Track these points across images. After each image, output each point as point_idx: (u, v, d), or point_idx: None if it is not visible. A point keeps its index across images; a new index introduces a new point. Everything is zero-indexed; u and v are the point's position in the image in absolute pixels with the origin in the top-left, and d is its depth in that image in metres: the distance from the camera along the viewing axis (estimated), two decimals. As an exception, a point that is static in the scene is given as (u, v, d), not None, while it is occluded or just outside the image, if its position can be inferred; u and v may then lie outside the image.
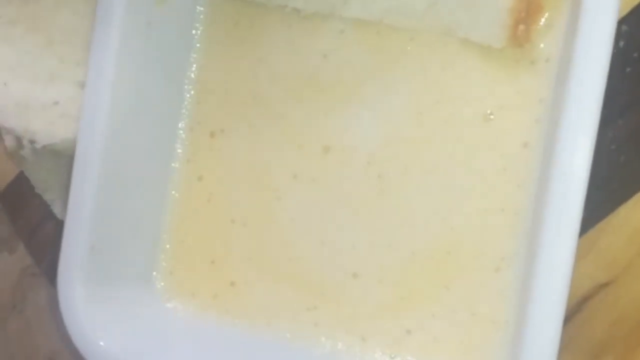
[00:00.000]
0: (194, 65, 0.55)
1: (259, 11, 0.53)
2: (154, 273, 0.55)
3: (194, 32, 0.54)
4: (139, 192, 0.53)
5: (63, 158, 0.56)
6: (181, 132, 0.55)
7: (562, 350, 0.44)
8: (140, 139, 0.53)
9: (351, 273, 0.52)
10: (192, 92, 0.55)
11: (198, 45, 0.55)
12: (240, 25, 0.54)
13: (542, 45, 0.48)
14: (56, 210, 0.58)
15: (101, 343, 0.51)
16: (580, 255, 0.49)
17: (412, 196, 0.51)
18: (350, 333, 0.52)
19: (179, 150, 0.55)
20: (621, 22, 0.50)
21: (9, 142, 0.58)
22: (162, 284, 0.55)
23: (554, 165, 0.44)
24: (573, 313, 0.50)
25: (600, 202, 0.50)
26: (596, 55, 0.44)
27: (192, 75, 0.55)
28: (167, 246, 0.55)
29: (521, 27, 0.47)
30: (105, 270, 0.52)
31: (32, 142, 0.55)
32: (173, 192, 0.55)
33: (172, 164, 0.55)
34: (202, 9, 0.54)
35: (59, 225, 0.52)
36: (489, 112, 0.50)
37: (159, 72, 0.53)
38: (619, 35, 0.49)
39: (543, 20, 0.48)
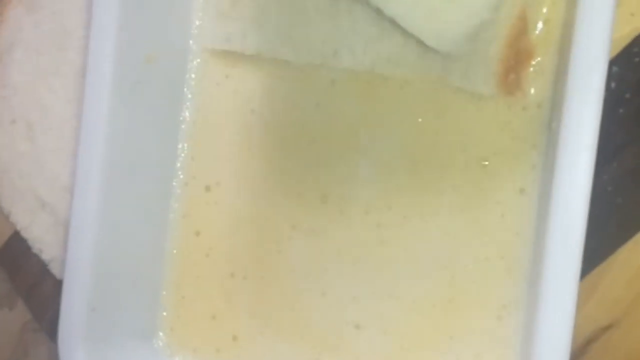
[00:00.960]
0: (187, 121, 0.55)
1: (251, 63, 0.53)
2: (155, 330, 0.54)
3: (185, 88, 0.54)
4: (136, 250, 0.53)
5: (59, 216, 0.56)
6: (176, 187, 0.55)
7: (568, 395, 0.44)
8: (135, 197, 0.52)
9: (353, 324, 0.52)
10: (186, 147, 0.55)
11: (189, 101, 0.55)
12: (231, 77, 0.54)
13: (532, 91, 0.49)
14: (54, 269, 0.58)
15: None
16: (582, 298, 0.48)
17: (411, 245, 0.51)
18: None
19: (175, 206, 0.55)
20: (612, 63, 0.50)
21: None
22: (164, 340, 0.54)
23: (552, 211, 0.44)
24: (577, 357, 0.50)
25: (600, 244, 0.50)
26: (588, 98, 0.44)
27: (185, 130, 0.54)
28: (167, 303, 0.55)
29: (512, 75, 0.47)
30: (105, 330, 0.51)
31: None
32: (171, 247, 0.55)
33: (169, 220, 0.55)
34: (193, 64, 0.54)
35: (58, 282, 0.51)
36: (483, 158, 0.50)
37: (151, 130, 0.53)
38: (610, 77, 0.49)
39: (533, 66, 0.48)
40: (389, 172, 0.51)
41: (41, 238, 0.58)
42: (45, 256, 0.58)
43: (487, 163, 0.49)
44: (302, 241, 0.52)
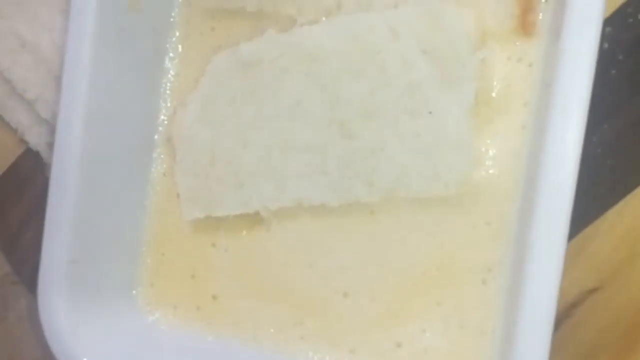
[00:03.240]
0: (170, 73, 0.53)
1: (236, 17, 0.52)
2: (135, 286, 0.54)
3: (169, 39, 0.53)
4: (118, 205, 0.52)
5: (40, 54, 0.56)
6: (158, 141, 0.54)
7: (551, 356, 0.44)
8: (117, 150, 0.52)
9: (341, 292, 0.51)
10: (169, 100, 0.54)
11: (173, 52, 0.54)
12: (217, 30, 0.53)
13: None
14: (39, 109, 0.57)
15: (84, 359, 0.50)
16: (568, 261, 0.48)
17: (401, 214, 0.50)
18: (338, 347, 0.51)
19: (157, 161, 0.54)
20: (605, 23, 0.49)
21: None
22: (143, 296, 0.54)
23: (541, 172, 0.44)
24: (562, 319, 0.50)
25: (588, 207, 0.50)
26: (582, 56, 0.43)
27: (168, 83, 0.54)
28: (147, 259, 0.54)
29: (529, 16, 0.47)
30: (85, 284, 0.51)
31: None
32: (152, 205, 0.54)
33: (151, 177, 0.54)
34: (178, 15, 0.53)
35: (39, 231, 0.51)
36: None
37: (135, 80, 0.52)
38: (603, 37, 0.48)
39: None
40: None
41: (24, 77, 0.57)
42: (30, 95, 0.57)
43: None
44: (289, 217, 0.52)
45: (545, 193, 0.44)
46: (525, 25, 0.48)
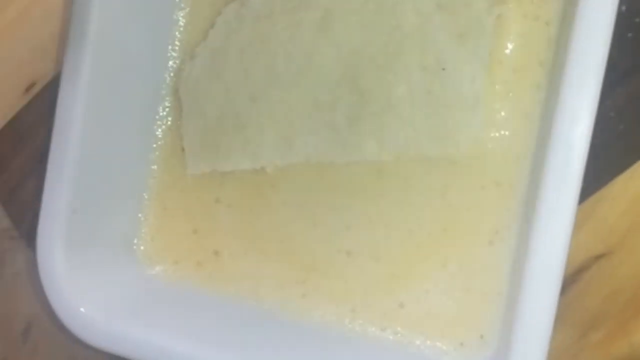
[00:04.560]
0: (179, 24, 0.53)
1: None
2: (136, 239, 0.53)
3: None
4: (121, 157, 0.52)
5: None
6: (165, 95, 0.54)
7: (556, 321, 0.43)
8: (123, 102, 0.51)
9: (345, 251, 0.51)
10: (177, 55, 0.53)
11: (182, 4, 0.53)
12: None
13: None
14: None
15: (82, 309, 0.49)
16: (577, 225, 0.48)
17: (409, 174, 0.50)
18: (339, 305, 0.51)
19: (162, 114, 0.54)
20: (624, -15, 0.49)
21: None
22: (144, 250, 0.53)
23: (554, 133, 0.43)
24: (568, 284, 0.50)
25: (598, 171, 0.49)
26: (599, 15, 0.42)
27: (177, 34, 0.53)
28: (149, 213, 0.54)
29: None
30: (85, 235, 0.50)
31: None
32: (156, 159, 0.54)
33: (155, 130, 0.53)
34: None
35: (39, 186, 0.50)
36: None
37: (142, 31, 0.51)
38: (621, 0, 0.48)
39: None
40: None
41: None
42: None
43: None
44: (297, 175, 0.51)
45: (557, 155, 0.43)
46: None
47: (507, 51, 0.48)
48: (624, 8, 0.49)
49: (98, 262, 0.51)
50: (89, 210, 0.50)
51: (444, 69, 0.47)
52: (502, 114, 0.48)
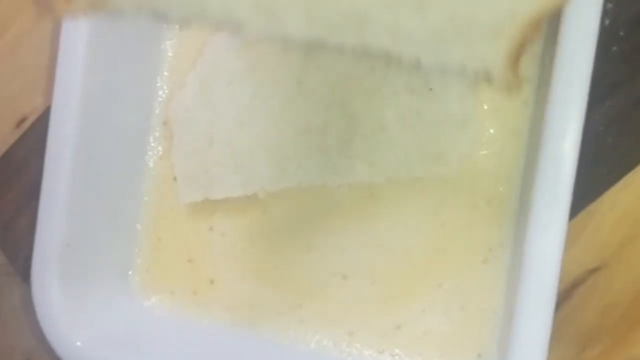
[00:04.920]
0: (167, 54, 0.53)
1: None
2: (130, 271, 0.53)
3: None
4: (113, 188, 0.52)
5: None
6: (155, 126, 0.54)
7: (552, 337, 0.43)
8: (114, 133, 0.51)
9: (340, 274, 0.51)
10: (166, 85, 0.53)
11: (169, 34, 0.53)
12: None
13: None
14: None
15: (78, 343, 0.49)
16: (569, 240, 0.47)
17: (402, 196, 0.50)
18: (336, 329, 0.51)
19: (153, 145, 0.54)
20: (606, 0, 0.49)
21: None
22: (139, 281, 0.53)
23: (542, 149, 0.43)
24: (563, 299, 0.49)
25: (589, 185, 0.49)
26: (583, 30, 0.43)
27: (166, 65, 0.53)
28: (143, 243, 0.54)
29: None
30: (80, 268, 0.50)
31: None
32: (148, 189, 0.54)
33: (146, 161, 0.54)
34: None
35: (33, 220, 0.50)
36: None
37: (132, 63, 0.52)
38: (604, 14, 0.48)
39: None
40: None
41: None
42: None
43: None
44: (287, 199, 0.51)
45: (546, 170, 0.43)
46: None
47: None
48: (607, 22, 0.49)
49: (93, 295, 0.51)
50: (82, 243, 0.50)
51: (431, 89, 0.47)
52: (491, 131, 0.48)
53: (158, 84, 0.53)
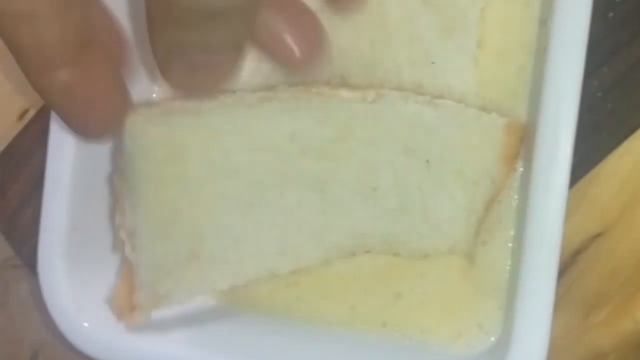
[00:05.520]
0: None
1: None
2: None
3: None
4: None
5: None
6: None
7: (557, 304, 0.43)
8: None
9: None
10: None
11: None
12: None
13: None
14: None
15: (85, 324, 0.49)
16: (571, 207, 0.48)
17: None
18: (338, 303, 0.51)
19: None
20: (602, -34, 0.49)
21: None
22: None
23: (541, 114, 0.43)
24: (567, 266, 0.50)
25: (589, 152, 0.49)
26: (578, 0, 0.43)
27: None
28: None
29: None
30: (86, 250, 0.50)
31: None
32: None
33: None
34: None
35: (38, 211, 0.50)
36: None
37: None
38: (599, -20, 0.49)
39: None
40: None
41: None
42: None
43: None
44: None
45: (545, 136, 0.43)
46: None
47: (491, 36, 0.48)
48: (604, -13, 0.49)
49: (101, 277, 0.51)
50: (87, 226, 0.50)
51: (433, 63, 0.48)
52: (490, 97, 0.48)
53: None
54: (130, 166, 0.46)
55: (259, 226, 0.48)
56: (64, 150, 0.49)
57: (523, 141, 0.47)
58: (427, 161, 0.47)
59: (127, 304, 0.48)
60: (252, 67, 0.50)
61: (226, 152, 0.47)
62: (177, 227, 0.48)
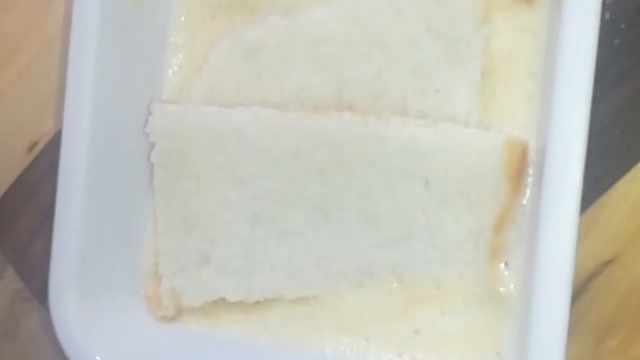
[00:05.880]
0: (173, 67, 0.54)
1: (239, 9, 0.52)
2: (145, 283, 0.53)
3: (169, 33, 0.53)
4: (125, 201, 0.52)
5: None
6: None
7: (570, 330, 0.43)
8: (123, 148, 0.52)
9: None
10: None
11: (174, 46, 0.54)
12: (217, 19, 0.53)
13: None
14: None
15: (97, 358, 0.49)
16: (582, 233, 0.48)
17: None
18: (352, 335, 0.50)
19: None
20: (606, -7, 0.50)
21: None
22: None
23: (550, 143, 0.43)
24: (579, 292, 0.50)
25: (598, 177, 0.49)
26: (584, 23, 0.43)
27: (173, 77, 0.54)
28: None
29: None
30: (96, 283, 0.51)
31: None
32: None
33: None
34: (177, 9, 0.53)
35: (47, 243, 0.50)
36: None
37: (139, 78, 0.52)
38: (604, 7, 0.49)
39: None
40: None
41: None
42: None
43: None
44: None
45: (555, 165, 0.43)
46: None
47: (497, 65, 0.48)
48: (608, 16, 0.49)
49: (110, 309, 0.51)
50: (98, 259, 0.50)
51: (438, 91, 0.48)
52: (497, 127, 0.48)
53: (165, 97, 0.54)
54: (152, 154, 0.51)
55: (267, 242, 0.50)
56: (74, 183, 0.50)
57: (527, 159, 0.47)
58: (427, 183, 0.47)
59: (156, 297, 0.51)
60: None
61: (231, 159, 0.50)
62: (189, 226, 0.51)
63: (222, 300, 0.52)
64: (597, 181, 0.49)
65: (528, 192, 0.47)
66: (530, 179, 0.47)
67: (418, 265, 0.49)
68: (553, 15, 0.46)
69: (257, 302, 0.51)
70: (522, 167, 0.47)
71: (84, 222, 0.50)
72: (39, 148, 0.59)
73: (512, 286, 0.48)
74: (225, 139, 0.49)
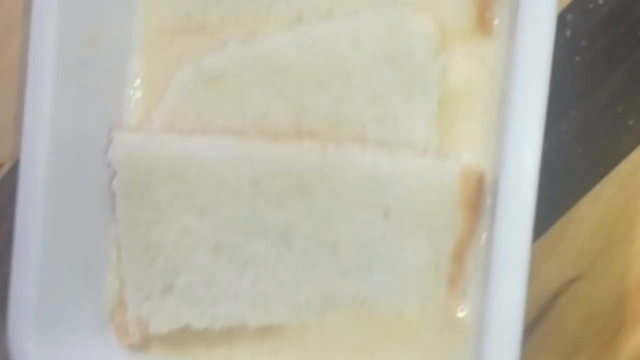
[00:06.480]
0: (134, 98, 0.53)
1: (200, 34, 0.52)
2: (108, 317, 0.53)
3: (129, 64, 0.53)
4: (86, 239, 0.52)
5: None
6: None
7: (536, 349, 0.44)
8: (83, 183, 0.51)
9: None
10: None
11: (134, 77, 0.53)
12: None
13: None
14: None
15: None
16: (546, 252, 0.48)
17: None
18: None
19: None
20: (566, 11, 0.49)
21: None
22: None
23: (503, 167, 0.43)
24: (545, 311, 0.50)
25: (562, 196, 0.49)
26: (536, 59, 0.43)
27: (133, 107, 0.53)
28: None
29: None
30: (56, 321, 0.50)
31: None
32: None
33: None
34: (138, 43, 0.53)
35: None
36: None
37: (98, 110, 0.52)
38: (564, 25, 0.49)
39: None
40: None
41: None
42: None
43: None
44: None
45: (507, 194, 0.43)
46: (483, 24, 0.48)
47: (455, 94, 0.48)
48: (569, 33, 0.49)
49: (72, 346, 0.50)
50: (56, 296, 0.50)
51: (396, 119, 0.48)
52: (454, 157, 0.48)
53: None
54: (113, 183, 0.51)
55: (230, 270, 0.50)
56: (32, 217, 0.49)
57: (484, 187, 0.47)
58: (386, 212, 0.48)
59: (124, 325, 0.51)
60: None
61: (191, 188, 0.49)
62: (152, 254, 0.50)
63: (190, 332, 0.51)
64: (561, 199, 0.49)
65: (485, 221, 0.47)
66: (487, 208, 0.47)
67: (379, 295, 0.49)
68: (509, 46, 0.45)
69: (224, 336, 0.51)
70: (478, 197, 0.47)
71: (43, 257, 0.49)
72: (4, 171, 0.58)
73: (469, 315, 0.48)
74: (185, 168, 0.49)
